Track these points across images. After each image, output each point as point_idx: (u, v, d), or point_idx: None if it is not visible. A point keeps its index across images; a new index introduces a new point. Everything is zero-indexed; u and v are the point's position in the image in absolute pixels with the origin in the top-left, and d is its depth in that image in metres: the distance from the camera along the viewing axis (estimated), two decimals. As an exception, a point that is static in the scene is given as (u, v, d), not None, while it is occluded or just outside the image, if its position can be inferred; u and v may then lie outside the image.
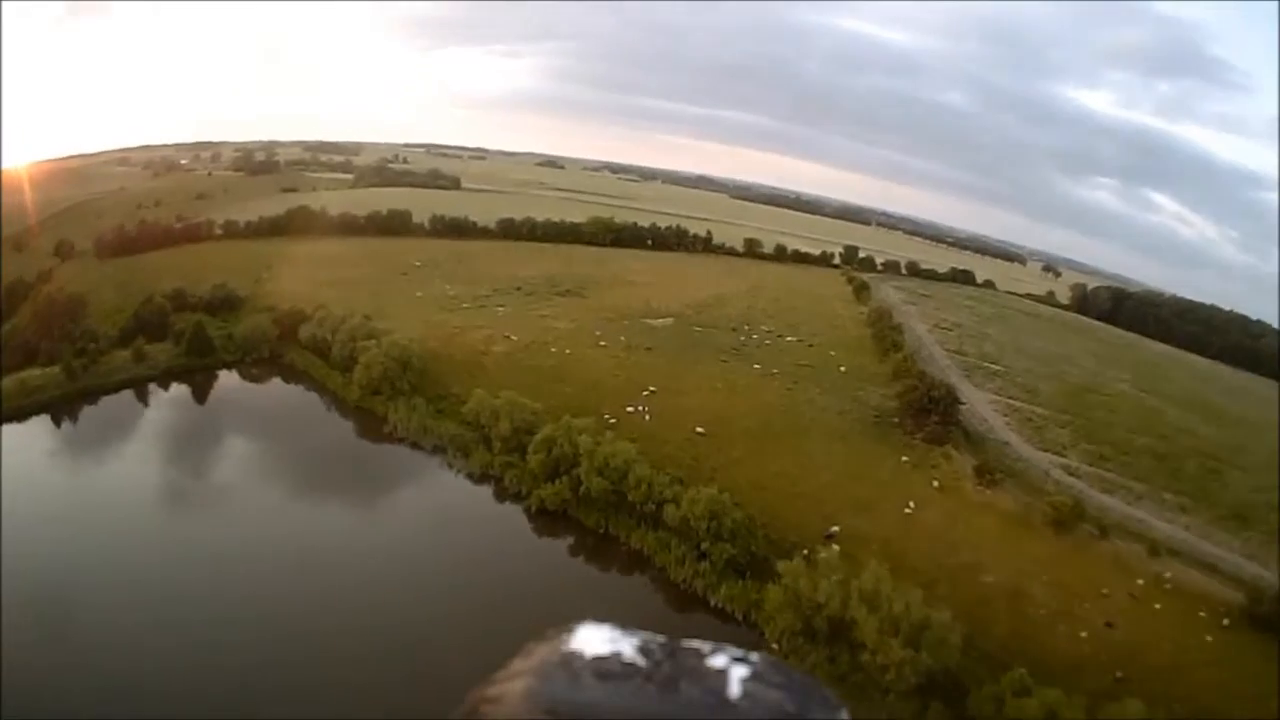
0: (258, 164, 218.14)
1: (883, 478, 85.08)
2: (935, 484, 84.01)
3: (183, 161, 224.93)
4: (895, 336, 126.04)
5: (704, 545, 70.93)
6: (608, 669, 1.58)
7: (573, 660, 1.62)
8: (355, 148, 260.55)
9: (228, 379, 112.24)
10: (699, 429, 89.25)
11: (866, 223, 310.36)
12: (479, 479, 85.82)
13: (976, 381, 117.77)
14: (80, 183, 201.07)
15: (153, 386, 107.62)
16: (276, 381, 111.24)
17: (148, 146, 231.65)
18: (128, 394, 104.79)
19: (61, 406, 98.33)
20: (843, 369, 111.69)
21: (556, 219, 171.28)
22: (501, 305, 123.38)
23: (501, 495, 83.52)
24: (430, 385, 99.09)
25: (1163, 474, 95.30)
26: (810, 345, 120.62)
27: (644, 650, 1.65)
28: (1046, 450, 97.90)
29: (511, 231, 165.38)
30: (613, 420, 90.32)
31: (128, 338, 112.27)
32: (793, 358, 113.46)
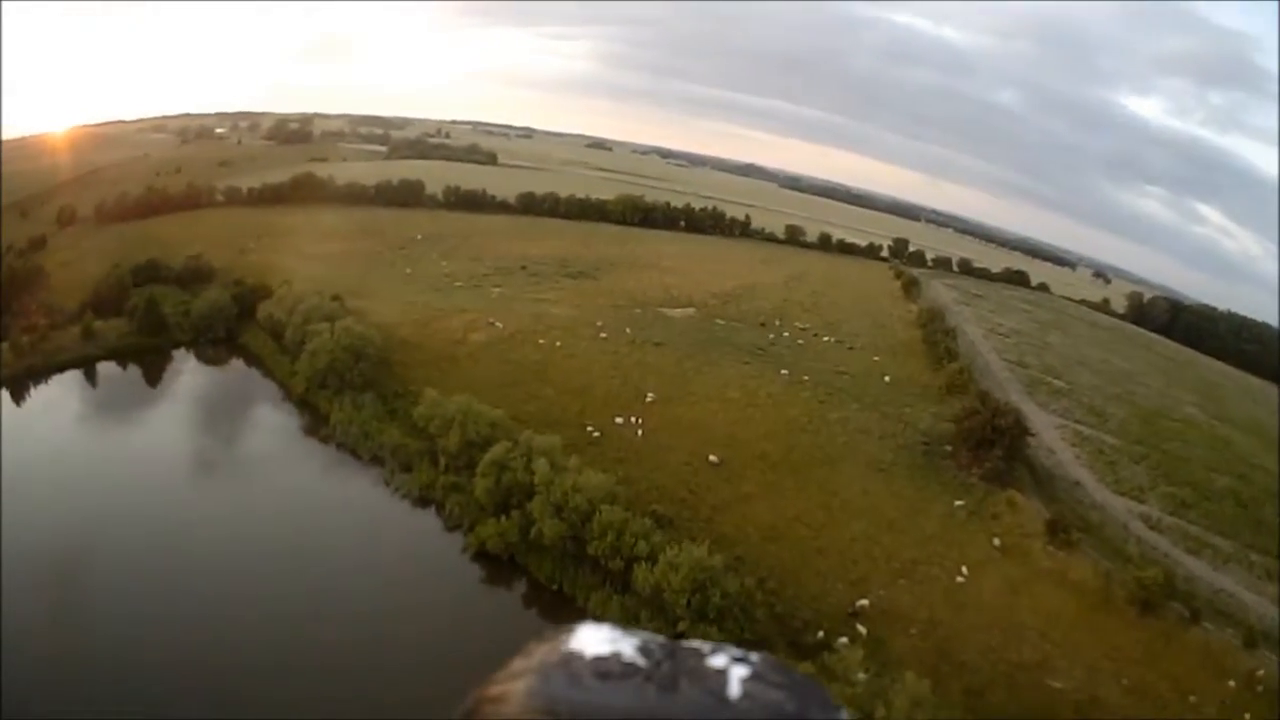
0: (289, 133, 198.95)
1: (930, 529, 62.37)
2: (996, 541, 61.46)
3: (218, 131, 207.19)
4: (949, 343, 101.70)
5: (682, 624, 48.32)
6: (608, 669, 1.54)
7: (573, 660, 1.57)
8: (401, 123, 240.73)
9: (183, 360, 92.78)
10: (710, 456, 66.86)
11: (916, 218, 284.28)
12: (418, 502, 64.22)
13: (1040, 400, 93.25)
14: (110, 149, 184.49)
15: (111, 366, 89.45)
16: (236, 364, 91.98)
17: (187, 115, 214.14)
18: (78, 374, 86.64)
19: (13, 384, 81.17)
20: (887, 379, 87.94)
21: (582, 195, 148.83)
22: (499, 286, 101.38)
23: (447, 525, 61.95)
24: (389, 379, 77.95)
25: (1248, 526, 72.52)
26: (850, 348, 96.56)
27: (644, 650, 1.59)
28: (1123, 494, 74.72)
29: (532, 207, 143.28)
30: (596, 434, 68.61)
31: (86, 313, 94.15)
32: (829, 362, 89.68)
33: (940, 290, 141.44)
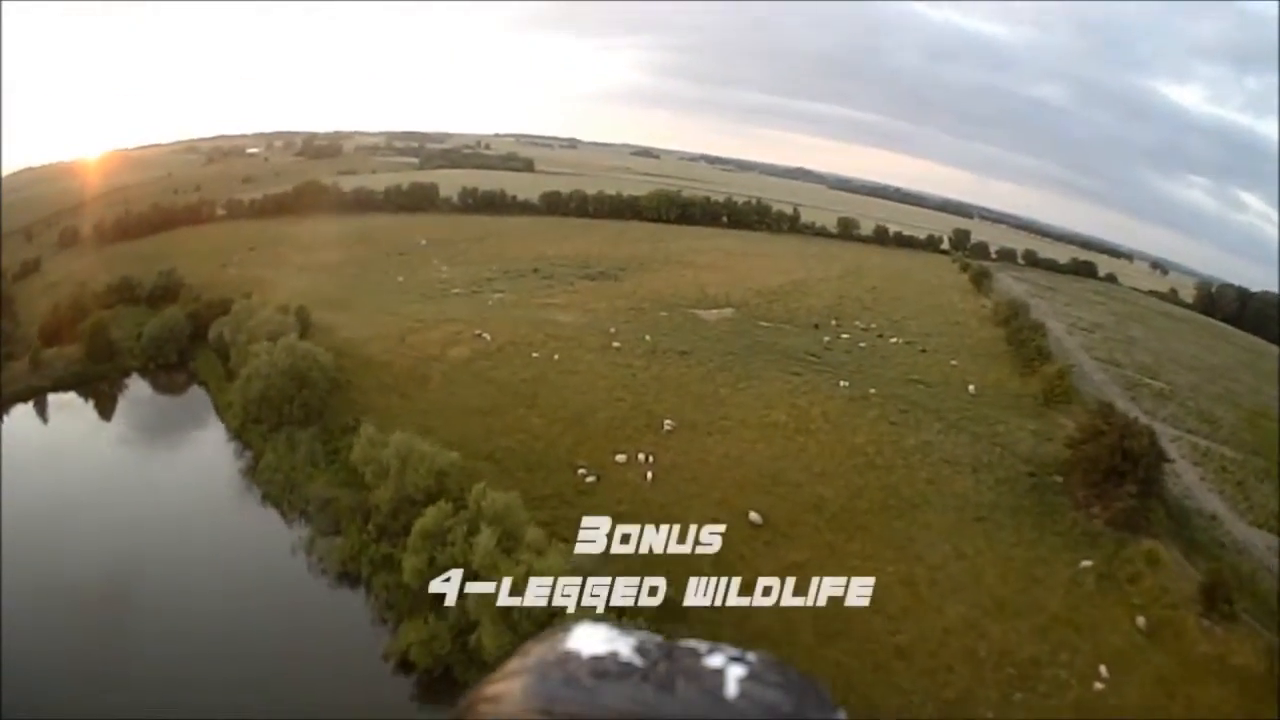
0: (318, 149, 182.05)
1: (1053, 607, 41.82)
2: (1140, 620, 41.39)
3: (251, 150, 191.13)
4: (1039, 340, 78.49)
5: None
6: (604, 668, 1.47)
7: (569, 659, 1.50)
8: (440, 136, 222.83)
9: (136, 389, 76.09)
10: (751, 513, 45.69)
11: (969, 216, 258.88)
12: (342, 579, 44.31)
13: (1146, 407, 70.82)
14: (138, 170, 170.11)
15: (70, 397, 73.40)
16: (195, 393, 73.26)
17: (223, 136, 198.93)
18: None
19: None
20: (971, 388, 65.95)
21: (611, 192, 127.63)
22: (501, 291, 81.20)
23: (374, 614, 41.97)
24: (342, 409, 58.17)
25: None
26: (922, 350, 74.00)
27: (641, 650, 1.52)
28: (1259, 525, 54.37)
29: (558, 206, 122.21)
30: (590, 479, 48.30)
31: (46, 340, 79.20)
32: (899, 369, 67.61)
33: (1010, 283, 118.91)
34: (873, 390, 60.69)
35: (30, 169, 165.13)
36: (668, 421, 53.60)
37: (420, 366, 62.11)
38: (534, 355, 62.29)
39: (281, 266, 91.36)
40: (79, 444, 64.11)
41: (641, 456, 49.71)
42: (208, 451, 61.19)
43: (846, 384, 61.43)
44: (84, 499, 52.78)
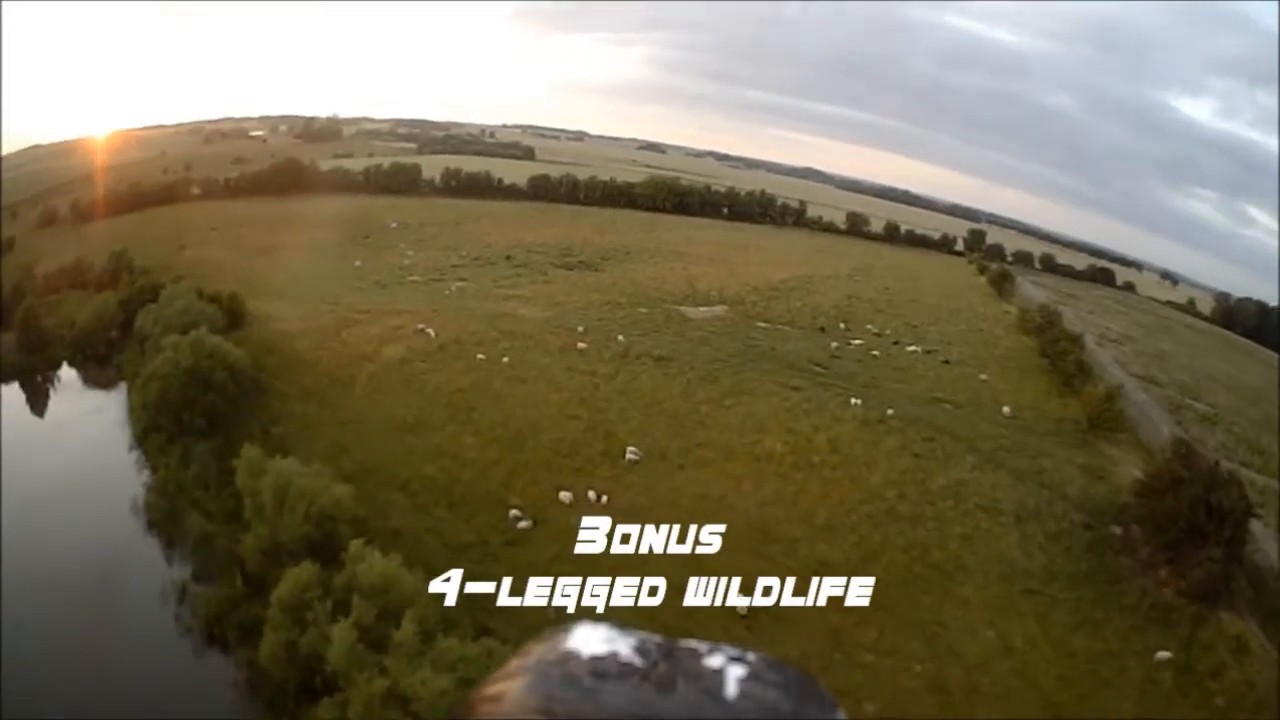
0: (316, 131, 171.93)
1: (1123, 715, 30.14)
2: None
3: (256, 133, 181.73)
4: (1077, 353, 64.61)
5: None
6: (605, 668, 1.41)
7: (569, 659, 1.43)
8: (446, 125, 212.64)
9: (67, 383, 66.90)
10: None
11: (977, 220, 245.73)
12: (211, 641, 33.84)
13: (1194, 434, 57.63)
14: (140, 150, 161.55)
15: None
16: (123, 390, 63.15)
17: (230, 119, 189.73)
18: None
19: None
20: (1006, 410, 53.22)
21: (605, 178, 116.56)
22: (464, 280, 70.37)
23: (237, 694, 31.24)
24: (254, 416, 47.25)
25: None
26: (945, 361, 61.30)
27: (641, 650, 1.46)
28: None
29: (545, 192, 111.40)
30: (524, 524, 37.18)
31: None
32: (920, 384, 55.04)
33: (1029, 289, 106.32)
34: (891, 411, 48.29)
35: (38, 146, 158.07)
36: (632, 449, 42.05)
37: (349, 367, 50.98)
38: (479, 357, 50.72)
39: (239, 249, 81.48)
40: None
41: (593, 495, 38.30)
42: (106, 462, 50.56)
43: (859, 401, 49.10)
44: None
